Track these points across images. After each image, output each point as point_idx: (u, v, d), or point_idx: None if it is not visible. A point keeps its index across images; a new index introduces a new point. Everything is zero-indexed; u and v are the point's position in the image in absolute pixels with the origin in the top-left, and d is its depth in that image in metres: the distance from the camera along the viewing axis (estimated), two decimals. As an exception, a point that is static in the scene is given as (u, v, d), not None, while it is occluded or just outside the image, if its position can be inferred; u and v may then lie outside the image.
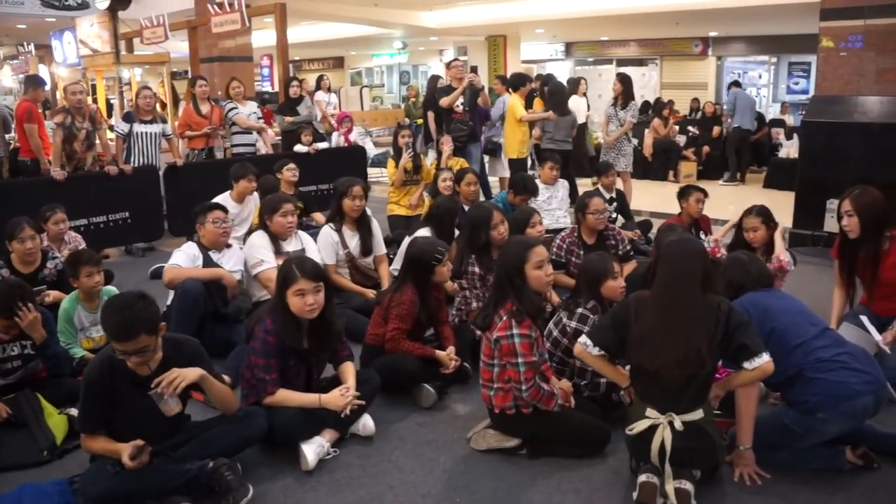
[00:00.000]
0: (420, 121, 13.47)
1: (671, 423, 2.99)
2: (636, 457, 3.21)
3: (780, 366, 3.07)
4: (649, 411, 3.05)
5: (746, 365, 2.98)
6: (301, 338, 3.51)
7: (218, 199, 6.08)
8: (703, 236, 5.79)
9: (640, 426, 3.05)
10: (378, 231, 5.74)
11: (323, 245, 5.43)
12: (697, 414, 2.99)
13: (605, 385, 3.72)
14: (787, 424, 3.22)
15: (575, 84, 11.40)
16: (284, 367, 3.51)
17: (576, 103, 10.64)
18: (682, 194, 6.00)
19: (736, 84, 13.31)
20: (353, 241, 5.54)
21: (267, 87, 21.69)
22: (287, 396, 3.50)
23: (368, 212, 5.69)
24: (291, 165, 7.28)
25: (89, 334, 4.55)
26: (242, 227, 6.39)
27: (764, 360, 2.96)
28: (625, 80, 9.03)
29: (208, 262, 4.92)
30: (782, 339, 3.20)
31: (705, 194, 6.01)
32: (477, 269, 4.70)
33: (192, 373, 3.09)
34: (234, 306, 4.90)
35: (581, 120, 10.75)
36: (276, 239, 5.15)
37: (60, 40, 12.87)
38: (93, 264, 4.49)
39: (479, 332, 4.39)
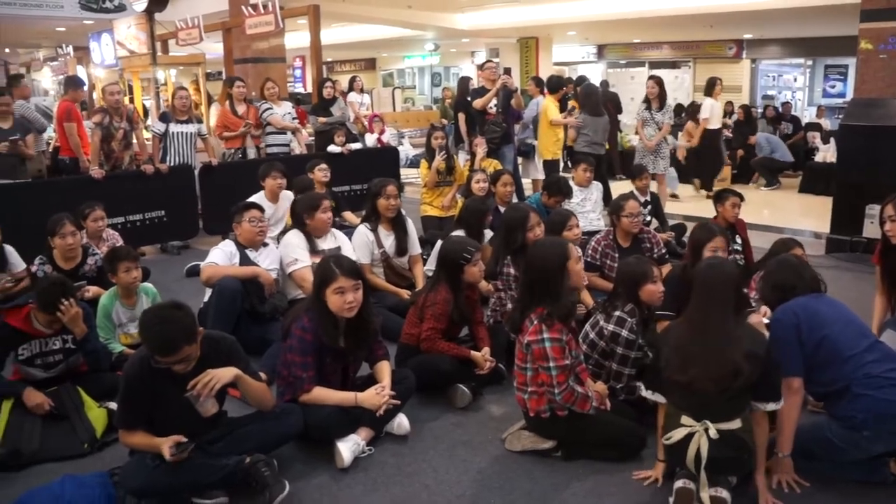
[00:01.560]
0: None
1: (706, 431, 2.96)
2: (673, 462, 3.18)
3: (827, 377, 3.03)
4: (685, 419, 3.03)
5: (759, 405, 3.00)
6: (338, 336, 3.53)
7: (253, 199, 6.14)
8: (737, 240, 5.74)
9: (676, 435, 3.02)
10: (413, 231, 5.77)
11: (358, 244, 5.45)
12: (735, 423, 2.96)
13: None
14: (829, 438, 3.15)
15: (710, 86, 10.60)
16: (321, 365, 3.53)
17: (710, 105, 10.39)
18: (718, 198, 5.92)
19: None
20: (389, 241, 5.57)
21: (299, 88, 21.86)
22: (323, 394, 3.52)
23: (403, 212, 5.71)
24: (323, 165, 7.31)
25: (127, 330, 4.61)
26: (277, 226, 6.45)
27: (776, 406, 3.01)
28: (660, 83, 8.98)
29: (245, 261, 4.97)
30: (833, 349, 3.09)
31: (741, 199, 5.92)
32: (512, 271, 4.69)
33: (227, 373, 3.12)
34: (271, 304, 4.94)
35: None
36: (311, 237, 5.19)
37: (98, 42, 13.04)
38: (130, 260, 4.54)
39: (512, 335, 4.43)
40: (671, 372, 3.04)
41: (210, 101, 11.78)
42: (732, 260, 4.46)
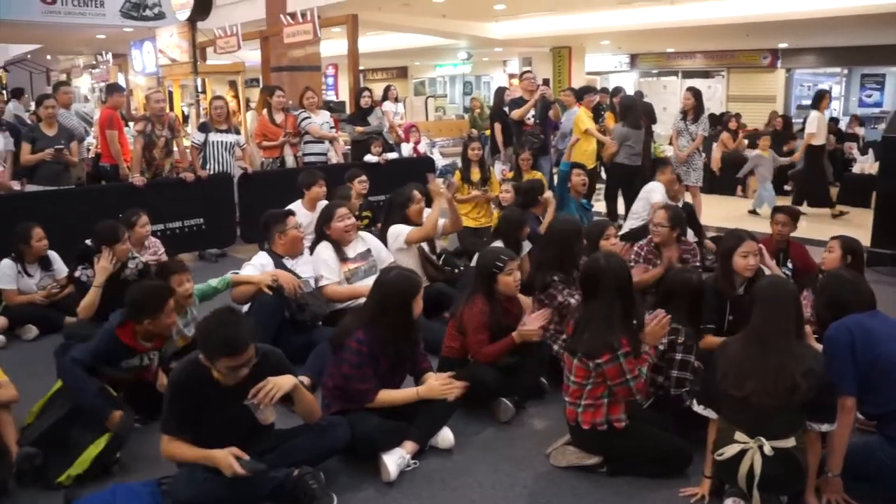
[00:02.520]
0: (488, 132, 13.52)
1: (761, 448, 2.95)
2: (723, 479, 3.17)
3: (881, 397, 3.00)
4: (738, 435, 3.01)
5: (814, 426, 2.99)
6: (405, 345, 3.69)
7: (291, 207, 6.19)
8: (788, 264, 5.55)
9: (729, 451, 3.01)
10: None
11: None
12: (789, 441, 2.94)
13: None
14: (882, 459, 3.10)
15: (818, 99, 9.98)
16: (378, 374, 3.59)
17: (815, 118, 9.77)
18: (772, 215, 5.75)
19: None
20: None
21: (331, 96, 22.01)
22: (389, 396, 3.61)
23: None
24: (363, 178, 7.35)
25: (183, 333, 4.52)
26: (312, 235, 6.49)
27: (830, 428, 3.00)
28: (697, 94, 8.90)
29: (282, 269, 4.96)
30: (888, 368, 3.05)
31: (794, 217, 5.66)
32: (561, 298, 4.51)
33: (287, 382, 3.16)
34: (311, 313, 4.91)
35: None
36: (339, 246, 5.23)
37: (140, 50, 13.28)
38: (182, 272, 4.50)
39: (556, 348, 4.42)
40: (727, 386, 3.04)
41: (248, 108, 11.92)
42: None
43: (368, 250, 5.34)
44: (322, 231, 5.32)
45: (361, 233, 5.51)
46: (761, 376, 2.94)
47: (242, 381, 3.09)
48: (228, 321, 3.03)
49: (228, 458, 3.02)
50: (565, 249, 4.63)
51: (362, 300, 4.72)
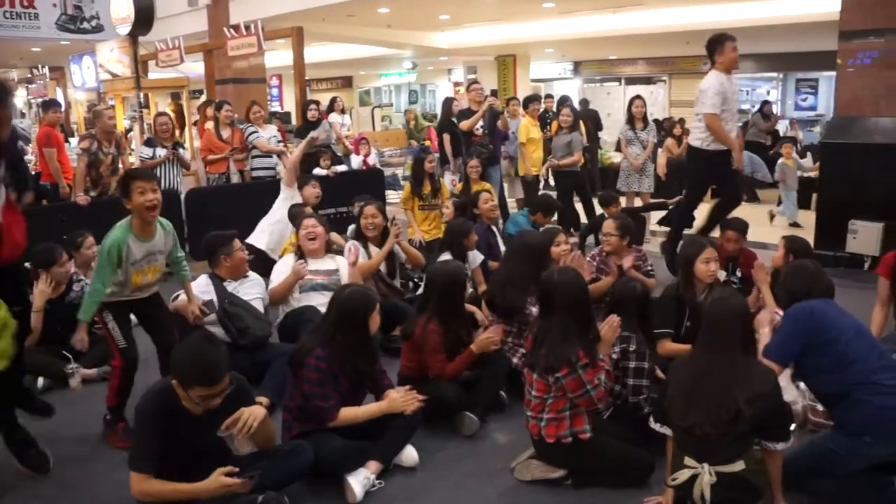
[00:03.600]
0: (427, 142, 13.54)
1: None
2: (681, 502, 3.18)
3: (834, 379, 3.10)
4: (687, 460, 3.03)
5: (769, 445, 3.01)
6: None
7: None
8: (737, 273, 5.47)
9: (681, 476, 3.03)
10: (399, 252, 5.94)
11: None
12: (737, 465, 2.95)
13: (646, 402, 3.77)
14: (832, 449, 3.20)
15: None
16: (339, 392, 3.56)
17: None
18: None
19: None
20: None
21: (276, 107, 21.80)
22: (351, 413, 3.57)
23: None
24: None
25: (141, 267, 3.99)
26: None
27: (786, 446, 3.03)
28: (645, 102, 9.06)
29: (222, 293, 4.86)
30: (843, 352, 3.15)
31: (742, 230, 5.53)
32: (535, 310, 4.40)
33: (260, 412, 3.12)
34: (252, 336, 4.76)
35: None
36: (303, 255, 5.23)
37: (79, 64, 12.97)
38: (146, 180, 3.88)
39: (515, 361, 4.43)
40: (673, 415, 3.07)
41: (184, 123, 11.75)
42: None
43: (336, 269, 5.27)
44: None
45: (337, 256, 5.45)
46: (704, 406, 2.93)
47: (212, 409, 3.02)
48: (208, 349, 2.97)
49: (220, 479, 2.95)
50: (538, 265, 4.55)
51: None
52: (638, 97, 9.27)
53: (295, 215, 6.22)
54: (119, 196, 4.04)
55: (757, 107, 15.65)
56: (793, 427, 3.43)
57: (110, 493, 3.50)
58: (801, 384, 3.90)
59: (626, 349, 3.78)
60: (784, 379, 3.64)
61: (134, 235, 3.89)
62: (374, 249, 5.68)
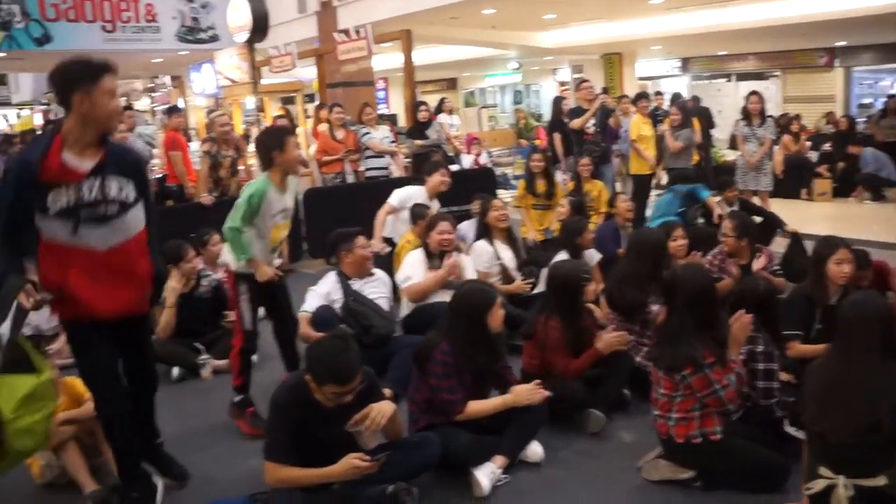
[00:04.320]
0: (537, 142, 13.47)
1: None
2: None
3: None
4: (823, 470, 2.87)
5: None
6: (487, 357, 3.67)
7: (411, 191, 6.34)
8: None
9: (816, 486, 2.87)
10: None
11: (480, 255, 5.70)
12: (879, 480, 2.75)
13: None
14: None
15: None
16: (464, 386, 3.59)
17: None
18: None
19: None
20: (507, 255, 5.82)
21: (382, 110, 22.15)
22: (478, 407, 3.60)
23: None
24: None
25: (277, 222, 4.17)
26: None
27: None
28: (762, 98, 8.75)
29: (348, 291, 4.92)
30: None
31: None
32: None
33: (389, 408, 3.19)
34: (375, 335, 4.81)
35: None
36: (432, 256, 5.21)
37: (199, 72, 13.54)
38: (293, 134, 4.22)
39: (638, 359, 4.37)
40: (807, 420, 2.93)
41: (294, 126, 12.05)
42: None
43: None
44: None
45: (460, 254, 5.46)
46: (840, 412, 2.76)
47: (345, 404, 3.10)
48: (344, 348, 3.07)
49: (351, 461, 3.03)
50: (656, 262, 4.56)
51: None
52: (754, 93, 8.96)
53: (419, 215, 6.14)
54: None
55: (881, 101, 14.92)
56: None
57: (244, 481, 3.62)
58: None
59: (753, 350, 3.63)
60: None
61: (274, 186, 4.06)
62: (499, 245, 5.81)
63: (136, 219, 3.24)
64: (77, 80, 2.97)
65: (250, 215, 4.00)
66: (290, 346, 4.42)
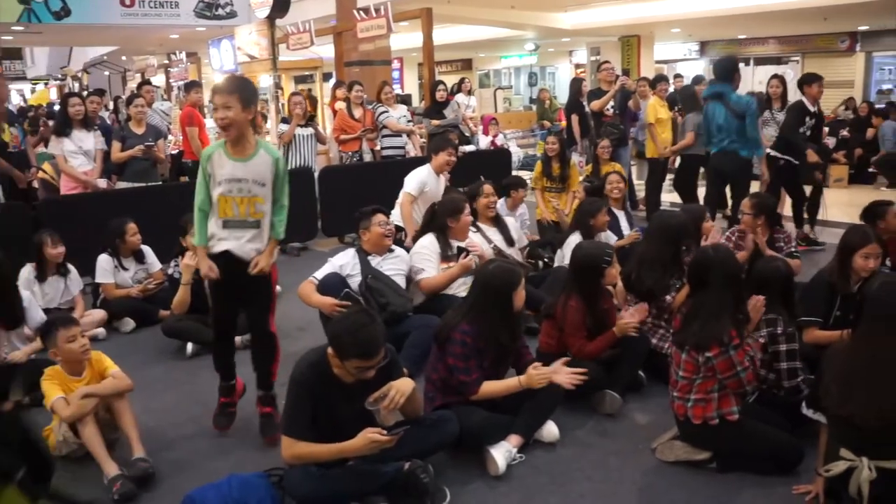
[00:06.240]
0: (561, 123, 13.40)
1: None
2: (833, 496, 3.05)
3: None
4: (844, 451, 2.88)
5: None
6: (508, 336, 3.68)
7: (420, 171, 6.31)
8: (887, 262, 5.11)
9: (836, 468, 2.88)
10: (512, 222, 6.10)
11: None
12: None
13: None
14: None
15: None
16: (482, 366, 3.60)
17: None
18: (874, 213, 5.28)
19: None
20: (497, 237, 5.78)
21: (397, 90, 22.12)
22: (492, 387, 3.61)
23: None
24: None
25: (229, 192, 3.56)
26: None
27: None
28: (783, 81, 8.65)
29: (366, 268, 4.91)
30: None
31: None
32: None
33: (408, 385, 3.19)
34: (390, 313, 4.75)
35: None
36: (448, 242, 5.17)
37: (218, 48, 13.51)
38: (222, 94, 3.52)
39: (654, 341, 4.38)
40: (829, 404, 2.91)
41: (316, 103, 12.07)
42: None
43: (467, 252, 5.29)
44: (444, 223, 5.20)
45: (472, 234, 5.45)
46: (866, 396, 2.75)
47: (365, 380, 3.11)
48: (369, 322, 3.06)
49: (368, 436, 3.02)
50: (678, 246, 4.58)
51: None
52: (775, 76, 8.84)
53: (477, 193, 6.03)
54: None
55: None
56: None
57: (258, 456, 3.67)
58: None
59: (774, 332, 3.65)
60: None
61: (223, 150, 3.56)
62: (487, 229, 5.78)
63: None
64: None
65: (203, 186, 3.59)
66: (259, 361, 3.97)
